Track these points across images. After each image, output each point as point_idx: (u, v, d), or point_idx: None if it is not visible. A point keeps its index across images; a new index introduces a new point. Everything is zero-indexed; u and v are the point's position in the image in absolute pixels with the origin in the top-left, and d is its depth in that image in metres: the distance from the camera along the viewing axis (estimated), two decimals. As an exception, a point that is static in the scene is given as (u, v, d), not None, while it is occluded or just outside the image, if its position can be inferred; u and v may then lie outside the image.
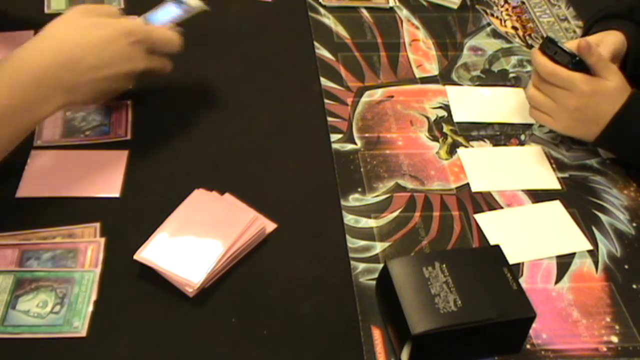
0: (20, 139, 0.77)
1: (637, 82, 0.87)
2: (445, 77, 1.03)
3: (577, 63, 0.84)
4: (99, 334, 0.67)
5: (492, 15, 1.18)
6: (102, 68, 0.80)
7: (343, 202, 0.82)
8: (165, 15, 0.91)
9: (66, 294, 0.70)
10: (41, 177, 0.81)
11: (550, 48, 0.85)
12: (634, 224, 0.83)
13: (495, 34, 1.13)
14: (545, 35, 1.13)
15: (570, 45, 0.86)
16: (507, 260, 0.69)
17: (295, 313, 0.71)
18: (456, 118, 0.96)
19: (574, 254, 0.79)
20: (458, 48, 1.09)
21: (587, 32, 0.98)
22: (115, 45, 0.80)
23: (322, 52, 1.06)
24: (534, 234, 0.81)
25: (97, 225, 0.76)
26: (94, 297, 0.70)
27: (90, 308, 0.69)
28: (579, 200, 0.86)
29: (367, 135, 0.92)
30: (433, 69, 1.05)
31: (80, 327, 0.67)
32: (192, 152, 0.88)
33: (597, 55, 0.83)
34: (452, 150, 0.91)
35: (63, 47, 0.78)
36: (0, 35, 1.00)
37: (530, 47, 1.10)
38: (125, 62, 0.82)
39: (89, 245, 0.74)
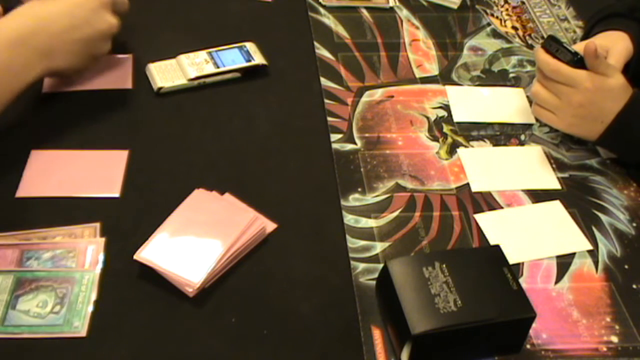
0: (5, 104, 0.79)
1: (639, 82, 0.87)
2: (445, 77, 1.03)
3: (579, 61, 0.84)
4: (99, 334, 0.67)
5: (492, 15, 1.18)
6: (75, 29, 0.84)
7: (343, 202, 0.82)
8: (229, 57, 0.98)
9: (66, 294, 0.70)
10: (41, 177, 0.81)
11: (552, 46, 0.86)
12: (634, 224, 0.83)
13: (495, 34, 1.13)
14: (545, 35, 1.13)
15: (578, 47, 0.86)
16: (507, 260, 0.69)
17: (295, 313, 0.71)
18: (456, 118, 0.96)
19: (574, 254, 0.79)
20: (458, 48, 1.09)
21: (589, 32, 0.98)
22: (86, 6, 0.86)
23: (322, 52, 1.05)
24: (534, 234, 0.81)
25: (97, 225, 0.76)
26: (94, 297, 0.70)
27: (90, 308, 0.69)
28: (579, 200, 0.86)
29: (367, 135, 0.92)
30: (433, 69, 1.05)
31: (80, 327, 0.67)
32: (192, 152, 0.88)
33: (600, 59, 0.83)
34: (452, 150, 0.91)
35: (36, 13, 0.82)
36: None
37: (530, 47, 1.10)
38: (96, 22, 0.87)
39: (89, 245, 0.75)
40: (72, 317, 0.68)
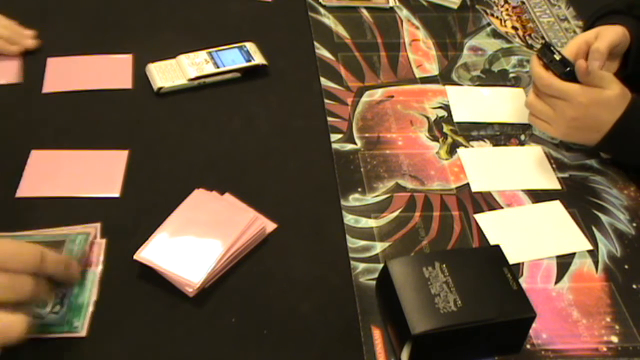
0: None
1: (637, 78, 0.87)
2: (445, 77, 1.03)
3: (569, 73, 0.83)
4: (99, 334, 0.67)
5: (492, 15, 1.18)
6: None
7: (343, 202, 0.82)
8: (229, 57, 0.98)
9: (66, 294, 0.70)
10: (41, 177, 0.81)
11: (547, 55, 0.85)
12: (634, 224, 0.83)
13: (495, 34, 1.13)
14: (544, 37, 1.13)
15: (572, 45, 0.86)
16: (507, 260, 0.69)
17: (295, 313, 0.71)
18: (456, 118, 0.96)
19: (574, 254, 0.79)
20: (458, 48, 1.09)
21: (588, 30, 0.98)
22: None
23: (322, 52, 1.05)
24: (534, 234, 0.81)
25: (97, 225, 0.76)
26: (94, 297, 0.70)
27: (90, 308, 0.69)
28: (579, 200, 0.85)
29: (367, 135, 0.92)
30: (433, 69, 1.05)
31: (80, 327, 0.67)
32: (192, 152, 0.88)
33: (593, 74, 0.83)
34: (452, 150, 0.91)
35: None
36: None
37: (530, 47, 1.10)
38: None
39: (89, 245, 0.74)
40: (72, 317, 0.68)
